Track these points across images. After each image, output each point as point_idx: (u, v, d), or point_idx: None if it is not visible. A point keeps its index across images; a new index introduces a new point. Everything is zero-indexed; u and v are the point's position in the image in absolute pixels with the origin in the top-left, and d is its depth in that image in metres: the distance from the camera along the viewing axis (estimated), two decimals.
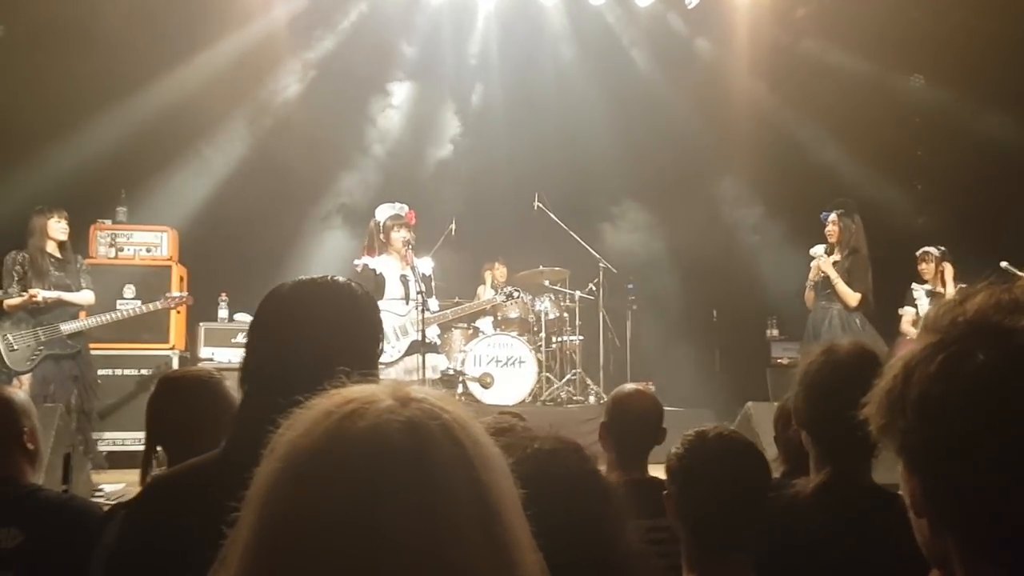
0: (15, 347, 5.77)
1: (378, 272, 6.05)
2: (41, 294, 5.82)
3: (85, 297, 6.09)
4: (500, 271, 8.50)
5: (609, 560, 1.14)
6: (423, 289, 5.75)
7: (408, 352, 5.89)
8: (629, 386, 2.93)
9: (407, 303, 5.96)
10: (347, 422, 0.77)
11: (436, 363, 6.27)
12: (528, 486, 0.96)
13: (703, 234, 8.79)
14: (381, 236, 6.07)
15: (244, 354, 1.53)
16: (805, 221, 8.79)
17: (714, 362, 9.20)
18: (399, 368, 5.88)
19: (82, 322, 6.04)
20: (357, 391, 0.81)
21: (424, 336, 5.64)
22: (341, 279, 1.62)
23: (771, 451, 4.77)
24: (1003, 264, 6.04)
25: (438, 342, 6.57)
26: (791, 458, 2.71)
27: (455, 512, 0.75)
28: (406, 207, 6.24)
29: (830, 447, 1.88)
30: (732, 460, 1.78)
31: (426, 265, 6.28)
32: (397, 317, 5.96)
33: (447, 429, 0.78)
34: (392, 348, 5.90)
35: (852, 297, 6.39)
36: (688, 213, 8.83)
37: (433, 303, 6.20)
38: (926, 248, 7.13)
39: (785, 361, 8.50)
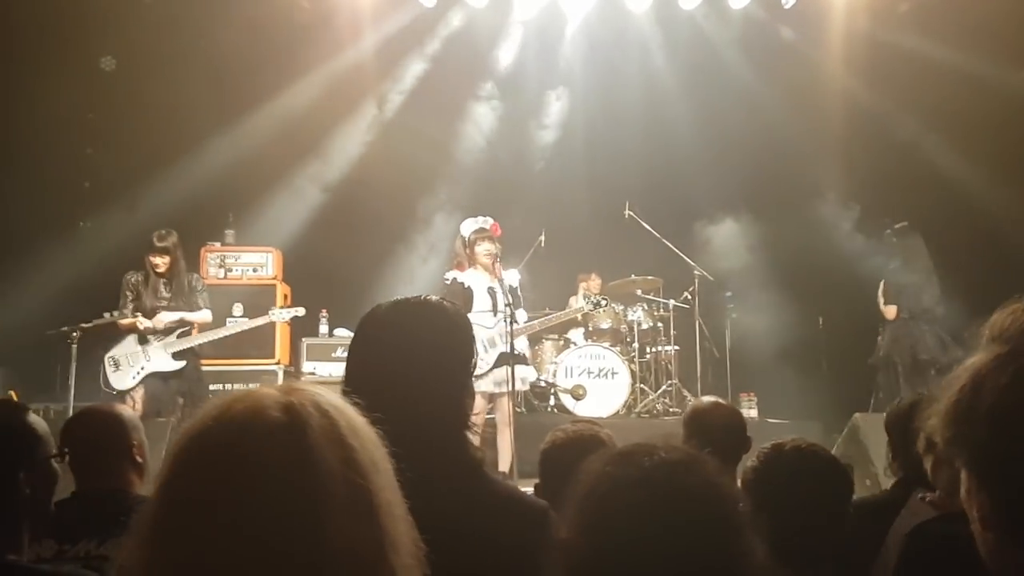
0: (120, 367, 6.07)
1: (466, 286, 6.11)
2: (164, 316, 6.08)
3: (204, 316, 6.30)
4: (595, 282, 8.45)
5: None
6: (510, 301, 5.76)
7: (497, 364, 5.92)
8: (707, 399, 2.89)
9: (495, 315, 5.99)
10: (229, 407, 0.89)
11: (525, 375, 6.26)
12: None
13: (804, 238, 8.49)
14: (467, 251, 6.14)
15: (345, 370, 1.62)
16: (914, 221, 8.41)
17: (821, 372, 8.86)
18: (488, 380, 5.91)
19: (188, 340, 6.25)
20: (242, 390, 0.94)
21: (512, 348, 5.66)
22: (435, 298, 1.70)
23: (880, 464, 4.61)
24: None
25: (527, 354, 6.57)
26: (909, 468, 2.51)
27: (321, 473, 0.85)
28: (490, 220, 6.28)
29: None
30: (810, 475, 1.72)
31: (513, 277, 6.30)
32: (485, 329, 6.00)
33: (319, 405, 0.90)
34: (481, 361, 5.92)
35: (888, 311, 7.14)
36: (787, 217, 8.56)
37: (521, 315, 6.21)
38: None
39: None
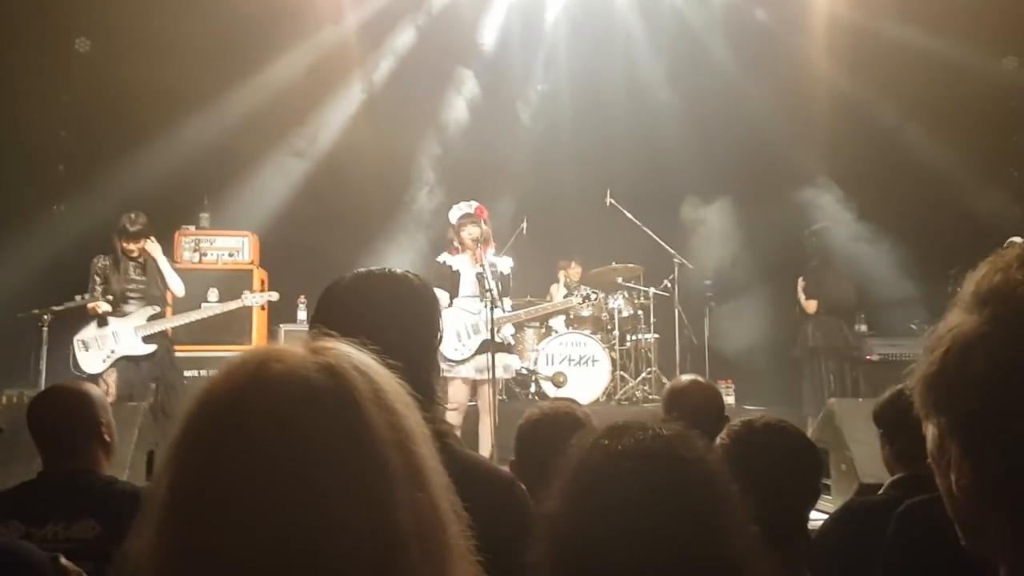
0: (89, 349, 6.00)
1: (454, 269, 6.08)
2: (153, 248, 6.09)
3: (177, 284, 6.26)
4: (575, 270, 8.44)
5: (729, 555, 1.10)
6: (492, 287, 5.73)
7: (479, 351, 5.89)
8: (685, 377, 2.89)
9: (481, 301, 5.97)
10: (263, 368, 0.78)
11: (509, 362, 6.25)
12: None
13: (784, 227, 8.53)
14: (456, 236, 6.12)
15: None
16: (892, 212, 8.48)
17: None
18: (470, 366, 5.88)
19: (159, 324, 6.19)
20: (267, 345, 0.85)
21: (494, 335, 5.64)
22: (399, 270, 1.66)
23: (856, 448, 4.63)
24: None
25: (512, 342, 6.54)
26: (907, 464, 2.35)
27: (377, 440, 0.77)
28: (475, 203, 6.25)
29: None
30: (781, 451, 1.71)
31: (505, 264, 6.27)
32: (470, 315, 5.97)
33: (359, 368, 0.81)
34: (463, 346, 5.91)
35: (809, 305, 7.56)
36: (767, 205, 8.58)
37: (506, 303, 6.18)
38: (1013, 238, 6.85)
39: (875, 357, 8.19)
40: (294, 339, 0.88)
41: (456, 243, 6.09)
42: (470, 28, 9.03)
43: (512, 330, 6.61)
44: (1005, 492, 0.72)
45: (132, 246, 6.04)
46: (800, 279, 7.73)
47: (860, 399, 6.26)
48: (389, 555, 0.74)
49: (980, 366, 0.72)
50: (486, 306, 5.68)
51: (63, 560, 1.61)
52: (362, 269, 1.66)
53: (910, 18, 8.16)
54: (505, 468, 2.36)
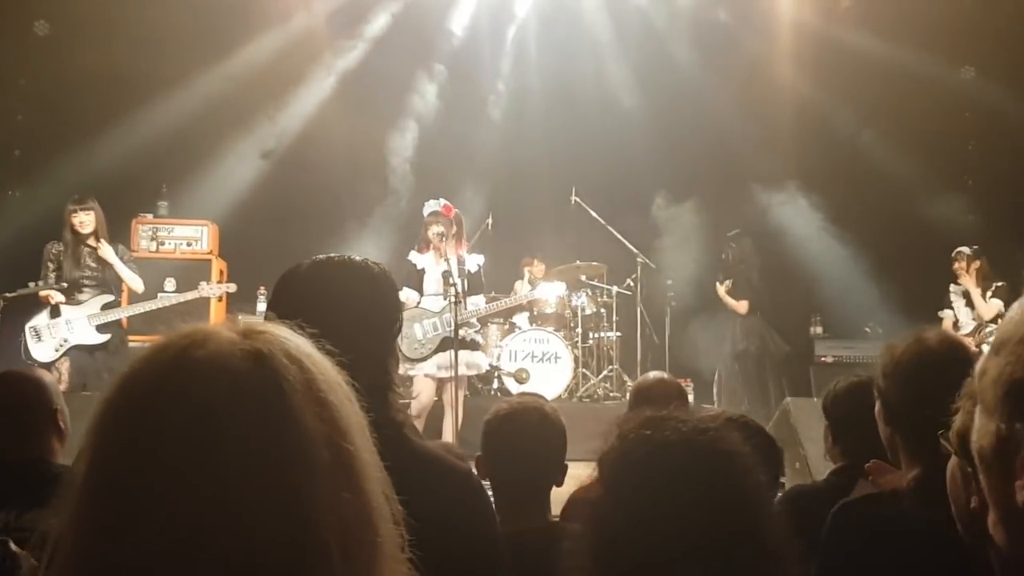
0: (42, 338, 5.88)
1: (419, 267, 6.08)
2: (106, 251, 5.96)
3: (135, 281, 6.18)
4: (538, 268, 8.46)
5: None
6: (457, 283, 5.73)
7: (440, 348, 5.89)
8: (652, 374, 2.92)
9: (445, 299, 5.97)
10: (186, 352, 0.74)
11: (475, 360, 6.21)
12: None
13: (744, 229, 8.65)
14: (424, 233, 6.12)
15: None
16: (851, 216, 8.64)
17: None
18: (431, 363, 5.88)
19: (113, 313, 6.08)
20: (195, 326, 0.78)
21: (456, 332, 5.65)
22: (358, 258, 1.62)
23: (810, 447, 4.73)
24: None
25: (480, 339, 6.52)
26: (851, 455, 2.42)
27: (302, 434, 0.73)
28: (443, 201, 6.25)
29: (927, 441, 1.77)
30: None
31: (473, 261, 6.26)
32: (431, 313, 5.97)
33: (291, 355, 0.76)
34: (421, 345, 5.90)
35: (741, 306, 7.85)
36: (729, 208, 8.70)
37: (473, 300, 6.18)
38: (959, 248, 7.06)
39: (829, 359, 8.34)
40: (229, 320, 0.81)
41: (423, 240, 6.10)
42: (439, 22, 9.01)
43: (477, 326, 6.60)
44: None
45: (84, 217, 5.92)
46: (723, 283, 8.01)
47: (815, 399, 6.38)
48: (307, 553, 0.71)
49: None
50: (449, 303, 5.68)
51: (12, 546, 1.57)
52: (320, 256, 1.62)
53: (871, 27, 8.33)
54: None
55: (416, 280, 6.05)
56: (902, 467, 1.83)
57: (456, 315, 5.70)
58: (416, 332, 5.90)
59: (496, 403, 2.33)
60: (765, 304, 7.98)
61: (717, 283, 8.05)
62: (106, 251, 6.00)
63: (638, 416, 1.21)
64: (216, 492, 0.70)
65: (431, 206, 6.20)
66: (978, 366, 0.81)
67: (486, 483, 2.35)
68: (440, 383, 6.03)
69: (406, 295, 5.98)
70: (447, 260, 5.97)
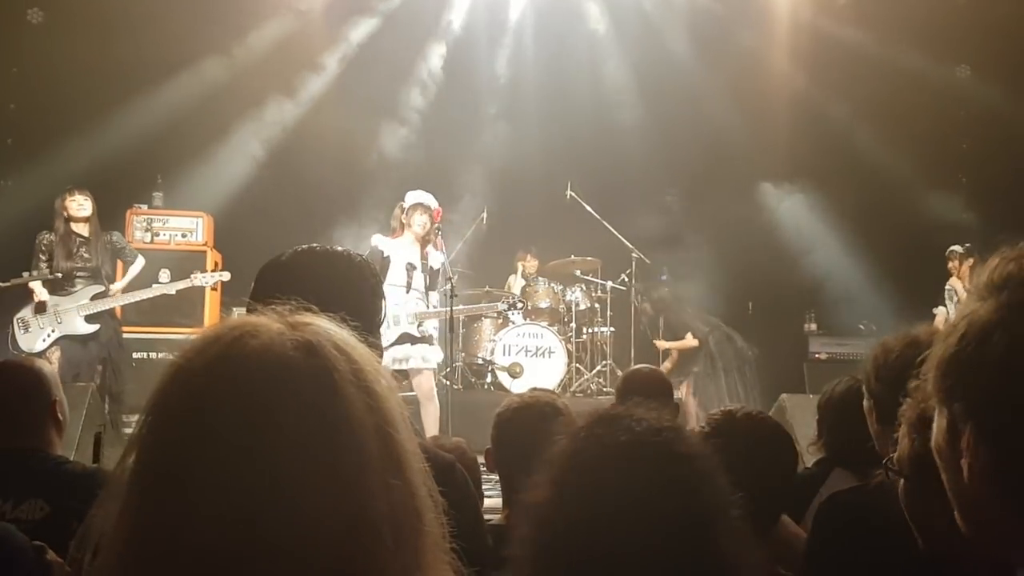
0: (30, 328, 5.85)
1: (385, 255, 6.01)
2: (115, 286, 6.19)
3: (140, 264, 6.38)
4: (531, 263, 8.46)
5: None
6: (452, 277, 5.75)
7: (397, 342, 5.85)
8: (639, 367, 2.98)
9: (407, 292, 5.94)
10: (239, 343, 0.75)
11: (428, 355, 6.15)
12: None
13: (739, 225, 8.66)
14: (403, 217, 6.06)
15: None
16: (846, 213, 8.67)
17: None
18: (387, 356, 5.83)
19: (102, 303, 6.06)
20: (244, 318, 0.79)
21: (412, 329, 5.69)
22: (339, 248, 1.63)
23: (805, 443, 4.74)
24: None
25: (435, 335, 6.51)
26: (831, 447, 2.65)
27: (354, 423, 0.74)
28: (436, 202, 6.22)
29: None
30: (761, 441, 1.74)
31: (437, 259, 6.24)
32: (392, 305, 5.94)
33: (339, 346, 0.78)
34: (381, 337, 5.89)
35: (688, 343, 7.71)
36: (724, 203, 8.71)
37: (433, 297, 6.18)
38: (952, 247, 7.11)
39: (823, 356, 8.37)
40: (271, 312, 0.81)
41: (400, 223, 6.04)
42: (435, 17, 8.98)
43: (435, 324, 6.57)
44: (1019, 479, 0.72)
45: (79, 198, 5.97)
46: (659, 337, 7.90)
47: (809, 395, 6.40)
48: (360, 542, 0.72)
49: (998, 349, 0.72)
50: (416, 299, 5.70)
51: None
52: (302, 246, 1.62)
53: (867, 24, 8.34)
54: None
55: (379, 266, 5.99)
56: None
57: (451, 312, 5.74)
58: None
59: (508, 397, 2.34)
60: (709, 325, 7.82)
61: (655, 341, 7.86)
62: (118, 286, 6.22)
63: (594, 413, 1.19)
64: (272, 482, 0.70)
65: (420, 196, 6.17)
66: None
67: (494, 476, 2.36)
68: (405, 375, 6.06)
69: None
70: (424, 259, 5.98)
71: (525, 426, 2.15)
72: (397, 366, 5.87)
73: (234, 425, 0.71)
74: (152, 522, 0.71)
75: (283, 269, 1.56)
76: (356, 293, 1.54)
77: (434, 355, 6.27)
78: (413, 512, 0.77)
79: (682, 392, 7.61)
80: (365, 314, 1.55)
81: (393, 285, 5.96)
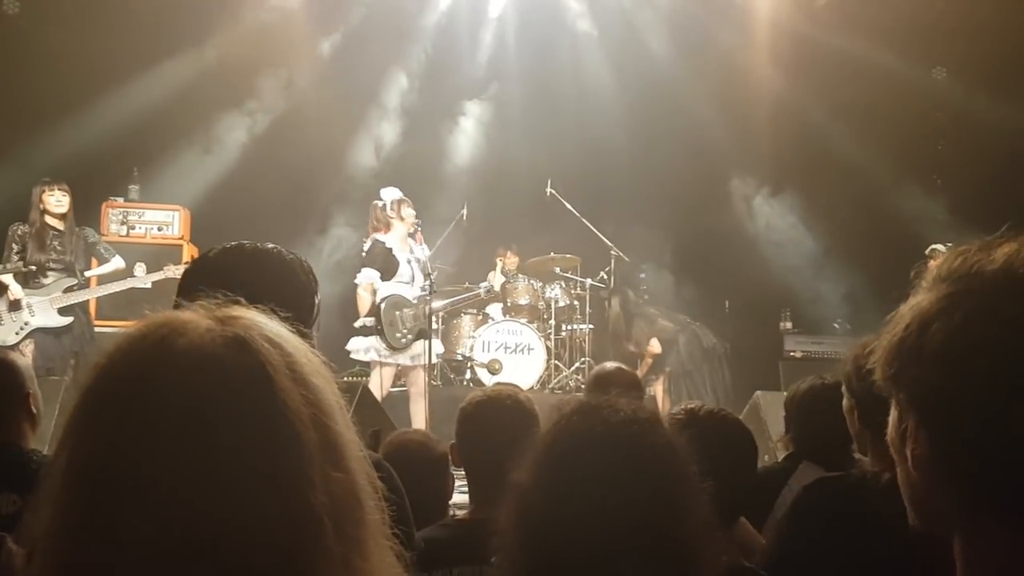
0: (3, 321, 5.80)
1: (389, 247, 6.07)
2: (88, 273, 6.12)
3: (118, 264, 6.27)
4: (512, 260, 8.46)
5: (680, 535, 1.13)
6: (430, 272, 5.77)
7: (417, 338, 5.94)
8: (610, 364, 3.02)
9: (412, 287, 5.99)
10: (166, 342, 0.73)
11: (437, 348, 6.36)
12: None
13: (717, 224, 8.72)
14: (390, 213, 6.07)
15: None
16: (822, 213, 8.75)
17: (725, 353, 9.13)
18: (407, 354, 5.89)
19: (75, 296, 6.03)
20: (169, 315, 0.77)
21: (431, 323, 5.71)
22: (271, 245, 1.57)
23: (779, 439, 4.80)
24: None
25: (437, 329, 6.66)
26: (799, 442, 2.72)
27: (293, 418, 0.73)
28: (399, 192, 6.30)
29: None
30: (722, 438, 1.77)
31: (423, 251, 6.29)
32: (409, 302, 5.96)
33: (270, 339, 0.76)
34: (404, 335, 5.90)
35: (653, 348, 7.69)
36: (702, 203, 8.77)
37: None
38: (934, 246, 7.18)
39: (798, 354, 8.44)
40: (198, 307, 0.79)
41: (389, 220, 6.05)
42: (417, 12, 8.95)
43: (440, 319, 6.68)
44: (958, 463, 0.74)
45: (58, 194, 5.95)
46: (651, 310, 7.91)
47: (783, 392, 6.46)
48: (301, 536, 0.71)
49: (937, 338, 0.74)
50: (427, 293, 5.71)
51: (10, 543, 1.55)
52: (231, 243, 1.57)
53: (846, 26, 8.42)
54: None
55: (384, 259, 6.03)
56: (870, 463, 1.88)
57: (431, 306, 5.76)
58: (400, 322, 5.91)
59: (471, 392, 2.35)
60: (678, 324, 7.86)
61: (627, 344, 7.76)
62: (98, 272, 6.14)
63: (573, 403, 1.22)
64: (208, 482, 0.69)
65: (396, 193, 6.20)
66: None
67: (459, 471, 2.37)
68: (404, 370, 6.07)
69: (367, 275, 6.01)
70: (411, 249, 6.03)
71: (488, 420, 2.16)
72: (413, 362, 5.98)
73: (165, 426, 0.70)
74: (82, 526, 0.69)
75: (213, 265, 1.52)
76: (285, 290, 1.48)
77: (438, 348, 6.40)
78: (354, 501, 0.76)
79: (655, 390, 7.66)
80: (296, 311, 1.53)
81: (402, 282, 6.00)
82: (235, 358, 0.73)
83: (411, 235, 6.14)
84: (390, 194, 6.18)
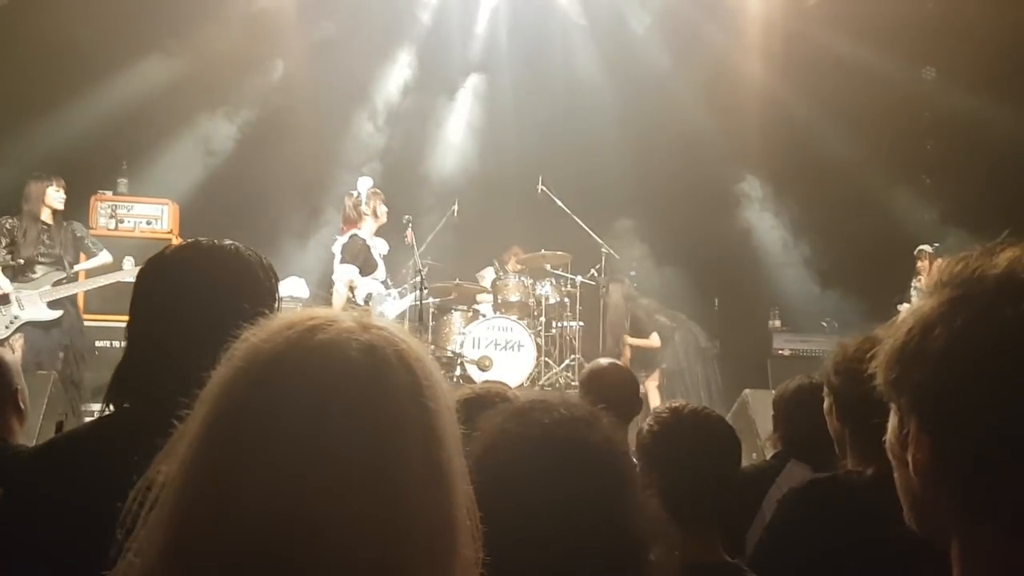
0: None
1: (367, 242, 6.02)
2: (77, 267, 6.09)
3: (105, 259, 6.26)
4: (520, 258, 8.45)
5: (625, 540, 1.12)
6: (421, 268, 5.75)
7: None
8: (603, 360, 2.99)
9: (386, 287, 5.96)
10: (308, 334, 0.79)
11: None
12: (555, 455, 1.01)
13: (707, 222, 8.74)
14: (364, 209, 6.02)
15: (128, 320, 1.47)
16: (811, 211, 8.79)
17: (715, 350, 9.16)
18: None
19: (64, 289, 6.01)
20: (323, 311, 0.83)
21: (422, 316, 5.68)
22: (228, 242, 1.55)
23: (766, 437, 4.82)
24: None
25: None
26: (787, 441, 2.75)
27: (401, 434, 0.77)
28: (371, 182, 6.24)
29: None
30: (705, 437, 1.78)
31: (384, 246, 6.25)
32: (391, 301, 5.95)
33: (402, 356, 0.81)
34: None
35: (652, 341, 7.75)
36: (693, 201, 8.79)
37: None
38: (921, 246, 7.22)
39: (787, 352, 8.47)
40: (347, 310, 0.86)
41: (357, 212, 6.00)
42: (407, 8, 8.93)
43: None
44: (960, 468, 0.74)
45: (61, 192, 5.95)
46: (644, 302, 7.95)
47: (773, 391, 6.48)
48: (392, 553, 0.74)
49: (939, 343, 0.74)
50: (401, 293, 5.70)
51: None
52: (188, 240, 1.57)
53: (836, 26, 8.45)
54: None
55: (362, 256, 5.96)
56: (848, 462, 1.89)
57: (422, 301, 5.74)
58: (380, 316, 5.89)
59: (460, 389, 2.34)
60: (675, 322, 7.93)
61: (625, 337, 7.86)
62: (85, 267, 6.12)
63: (506, 409, 1.21)
64: (317, 467, 0.73)
65: (369, 182, 6.16)
66: None
67: None
68: None
69: (346, 271, 5.92)
70: (380, 244, 5.99)
71: (472, 416, 2.15)
72: None
73: (291, 406, 0.75)
74: (207, 481, 0.75)
75: (167, 264, 1.49)
76: (242, 288, 1.46)
77: None
78: (449, 530, 0.79)
79: (648, 386, 7.68)
80: (253, 309, 1.51)
81: (377, 279, 5.97)
82: (362, 363, 0.78)
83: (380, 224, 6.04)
84: (365, 184, 6.12)
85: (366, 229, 6.03)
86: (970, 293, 0.75)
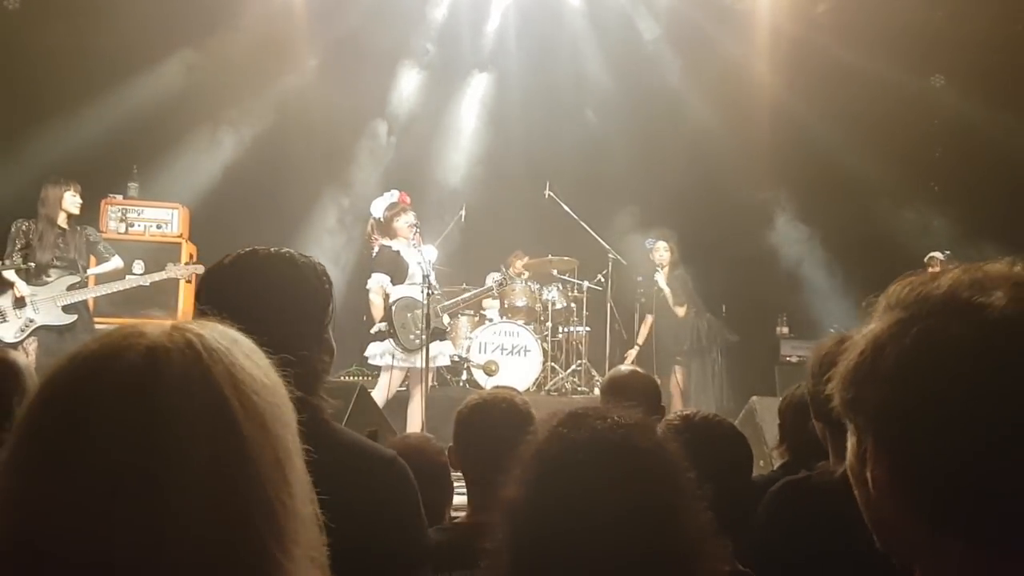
0: (7, 318, 5.80)
1: (396, 249, 6.06)
2: (89, 272, 6.14)
3: (117, 263, 6.29)
4: (526, 263, 8.46)
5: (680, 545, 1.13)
6: (430, 274, 5.77)
7: (438, 338, 5.98)
8: (625, 367, 2.98)
9: (422, 291, 6.01)
10: (89, 344, 0.80)
11: (444, 349, 6.34)
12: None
13: (714, 228, 8.74)
14: (385, 228, 6.08)
15: None
16: (820, 218, 8.77)
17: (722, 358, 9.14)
18: (420, 356, 5.89)
19: (79, 293, 6.05)
20: (133, 323, 0.84)
21: (430, 323, 5.70)
22: (284, 250, 1.60)
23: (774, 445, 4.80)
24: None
25: (448, 329, 6.63)
26: (795, 450, 2.73)
27: (176, 431, 0.74)
28: (396, 192, 6.26)
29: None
30: (716, 445, 1.78)
31: (431, 253, 6.30)
32: (420, 303, 5.98)
33: (191, 348, 0.79)
34: (417, 337, 5.90)
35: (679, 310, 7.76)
36: (700, 206, 8.79)
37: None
38: (932, 253, 7.19)
39: (794, 359, 8.45)
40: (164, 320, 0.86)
41: (386, 233, 6.06)
42: (418, 12, 8.96)
43: (448, 319, 6.67)
44: (917, 482, 0.75)
45: (79, 198, 6.01)
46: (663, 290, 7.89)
47: (779, 398, 6.47)
48: (239, 553, 0.74)
49: (889, 361, 0.76)
50: (425, 294, 5.72)
51: None
52: (245, 249, 1.60)
53: (845, 34, 8.44)
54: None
55: (393, 263, 6.03)
56: (831, 461, 1.91)
57: (433, 306, 5.76)
58: (412, 323, 5.91)
59: (468, 395, 2.36)
60: (701, 304, 7.97)
61: (674, 308, 7.86)
62: (97, 271, 6.19)
63: (560, 413, 1.22)
64: (81, 483, 0.72)
65: (385, 199, 6.22)
66: None
67: (457, 474, 2.38)
68: (409, 372, 6.06)
69: (378, 280, 6.01)
70: (420, 250, 6.01)
71: (485, 424, 2.17)
72: (435, 363, 6.04)
73: (109, 419, 0.74)
74: (17, 501, 0.73)
75: (228, 274, 1.55)
76: (299, 293, 1.53)
77: (448, 349, 6.44)
78: (293, 521, 0.78)
79: (676, 379, 7.70)
80: (311, 317, 1.56)
81: (412, 284, 6.02)
82: (136, 361, 0.76)
83: (412, 240, 6.08)
84: (378, 207, 6.19)
85: (398, 240, 6.08)
86: (917, 313, 0.78)
